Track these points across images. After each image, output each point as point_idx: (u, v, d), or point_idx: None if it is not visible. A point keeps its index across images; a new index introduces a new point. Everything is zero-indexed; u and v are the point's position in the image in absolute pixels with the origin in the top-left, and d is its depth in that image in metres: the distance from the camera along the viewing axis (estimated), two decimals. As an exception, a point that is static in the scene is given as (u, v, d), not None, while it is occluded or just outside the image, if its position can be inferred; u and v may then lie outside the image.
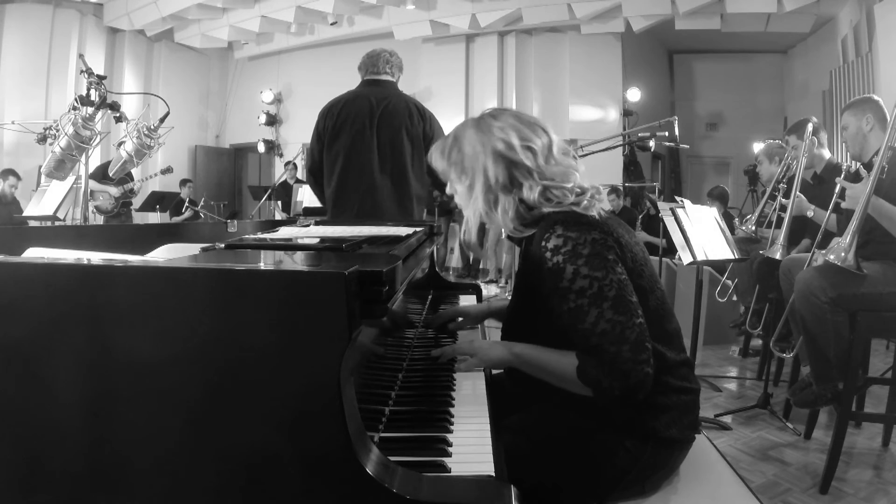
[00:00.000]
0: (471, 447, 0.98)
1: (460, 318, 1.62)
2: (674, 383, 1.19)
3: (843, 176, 2.40)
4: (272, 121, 9.91)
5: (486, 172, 1.21)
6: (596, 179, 1.30)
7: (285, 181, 7.61)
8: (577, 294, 1.11)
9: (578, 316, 1.11)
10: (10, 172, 5.98)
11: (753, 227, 3.38)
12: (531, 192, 1.20)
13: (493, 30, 8.42)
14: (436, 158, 1.31)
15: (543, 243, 1.15)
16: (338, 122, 2.77)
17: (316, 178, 2.90)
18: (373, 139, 2.73)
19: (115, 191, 6.12)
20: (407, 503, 0.72)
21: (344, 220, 2.57)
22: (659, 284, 1.24)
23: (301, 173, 8.32)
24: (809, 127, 3.03)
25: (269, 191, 6.54)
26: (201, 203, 7.71)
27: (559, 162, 1.24)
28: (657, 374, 1.13)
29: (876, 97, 2.63)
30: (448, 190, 1.33)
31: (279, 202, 7.51)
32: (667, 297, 1.25)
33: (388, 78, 2.86)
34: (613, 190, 6.85)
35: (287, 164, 7.91)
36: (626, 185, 8.15)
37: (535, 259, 1.18)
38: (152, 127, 3.10)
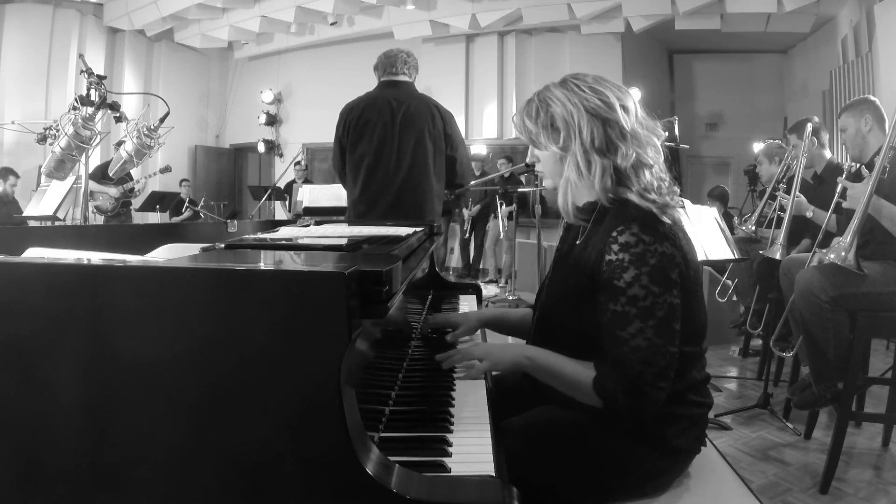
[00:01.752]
0: (471, 447, 0.98)
1: (453, 330, 1.54)
2: (692, 398, 1.19)
3: (844, 176, 2.40)
4: (272, 121, 9.91)
5: (582, 132, 1.14)
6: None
7: (293, 180, 7.60)
8: (629, 300, 1.07)
9: (621, 321, 1.08)
10: (10, 172, 5.97)
11: (753, 227, 3.38)
12: (625, 161, 1.14)
13: (493, 30, 8.41)
14: (523, 122, 1.23)
15: (614, 234, 1.10)
16: (359, 124, 2.79)
17: (343, 182, 2.94)
18: (395, 141, 2.76)
19: (114, 191, 6.12)
20: (407, 503, 0.72)
21: (368, 221, 2.60)
22: (704, 307, 1.21)
23: (311, 174, 8.33)
24: (809, 127, 3.04)
25: (269, 191, 6.54)
26: (201, 203, 7.71)
27: (644, 126, 1.19)
28: (680, 390, 1.14)
29: (872, 97, 2.64)
30: (529, 158, 1.28)
31: (286, 202, 7.51)
32: (706, 324, 1.22)
33: (406, 79, 2.89)
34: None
35: (297, 163, 7.89)
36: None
37: (596, 247, 1.14)
38: (152, 127, 3.10)
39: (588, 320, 1.15)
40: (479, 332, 1.65)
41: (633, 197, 1.14)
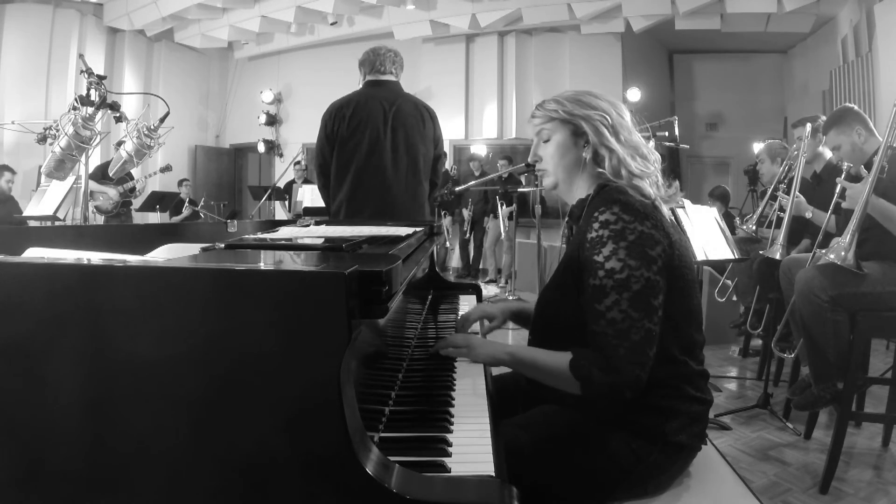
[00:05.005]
0: (471, 447, 0.98)
1: (486, 322, 1.62)
2: (691, 392, 1.19)
3: (843, 176, 2.40)
4: (272, 121, 9.91)
5: (596, 126, 1.25)
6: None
7: (293, 180, 7.59)
8: (607, 273, 1.12)
9: (598, 294, 1.12)
10: (5, 168, 5.94)
11: (754, 227, 3.38)
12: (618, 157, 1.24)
13: (493, 30, 8.42)
14: (551, 103, 1.32)
15: (596, 214, 1.17)
16: (351, 123, 2.76)
17: (326, 179, 2.90)
18: (387, 141, 2.75)
19: (113, 192, 6.11)
20: (406, 503, 0.72)
21: (358, 221, 2.57)
22: (698, 294, 1.24)
23: (311, 174, 8.30)
24: (808, 127, 3.04)
25: (269, 191, 6.54)
26: (201, 203, 7.71)
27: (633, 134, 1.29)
28: (676, 382, 1.14)
29: (849, 105, 2.65)
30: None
31: (286, 202, 7.48)
32: (701, 311, 1.25)
33: (392, 78, 2.87)
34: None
35: (297, 163, 7.87)
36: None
37: (582, 230, 1.20)
38: (152, 127, 3.10)
39: (579, 308, 1.18)
40: (476, 325, 1.66)
41: (619, 179, 1.22)
